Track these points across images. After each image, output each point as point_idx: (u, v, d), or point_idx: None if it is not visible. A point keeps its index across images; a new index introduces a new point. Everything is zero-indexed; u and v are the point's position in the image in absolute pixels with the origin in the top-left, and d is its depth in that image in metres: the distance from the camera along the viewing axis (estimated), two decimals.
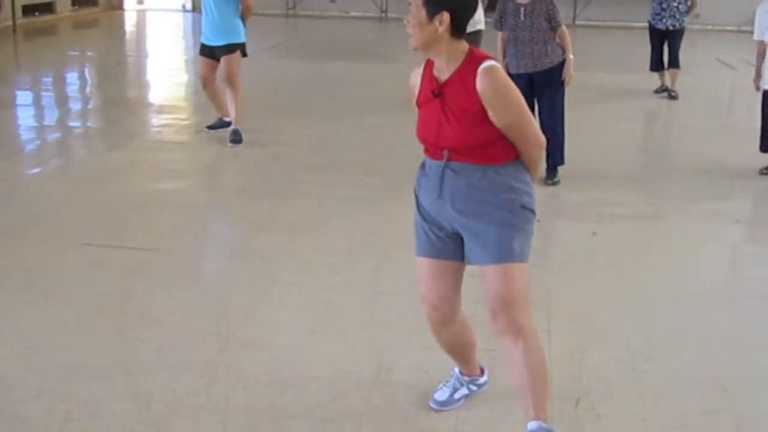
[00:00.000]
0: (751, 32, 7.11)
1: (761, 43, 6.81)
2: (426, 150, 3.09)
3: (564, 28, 6.40)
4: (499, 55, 6.61)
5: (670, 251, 5.32)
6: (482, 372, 3.52)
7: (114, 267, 4.82)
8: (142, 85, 11.85)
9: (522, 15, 6.29)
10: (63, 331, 4.03)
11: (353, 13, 18.60)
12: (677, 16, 9.64)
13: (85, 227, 5.44)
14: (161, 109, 9.66)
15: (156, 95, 10.86)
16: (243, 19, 7.62)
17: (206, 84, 7.87)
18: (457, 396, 3.45)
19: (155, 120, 9.17)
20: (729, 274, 5.28)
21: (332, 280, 4.69)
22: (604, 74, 11.62)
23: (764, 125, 6.86)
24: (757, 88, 6.91)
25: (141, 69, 13.26)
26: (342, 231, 5.49)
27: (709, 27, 16.95)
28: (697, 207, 6.26)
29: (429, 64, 3.03)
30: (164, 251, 5.08)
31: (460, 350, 3.39)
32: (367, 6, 18.51)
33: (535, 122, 3.12)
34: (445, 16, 2.86)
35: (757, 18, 6.81)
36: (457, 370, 3.48)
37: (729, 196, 6.51)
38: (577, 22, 17.32)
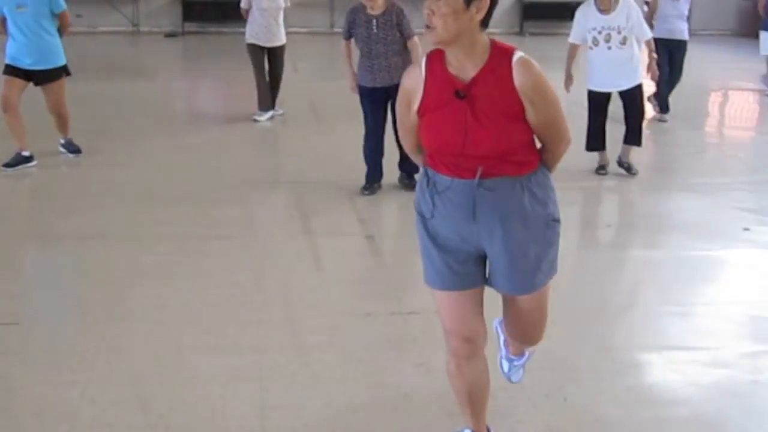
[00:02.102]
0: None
1: (574, 46, 7.17)
2: (437, 162, 2.75)
3: (416, 39, 6.39)
4: (346, 66, 6.49)
5: None
6: None
7: None
8: None
9: (375, 27, 6.23)
10: None
11: (102, 28, 17.49)
12: None
13: None
14: None
15: None
16: (60, 34, 6.95)
17: (7, 108, 6.99)
18: None
19: None
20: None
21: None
22: None
23: (590, 125, 7.24)
24: (568, 90, 7.20)
25: None
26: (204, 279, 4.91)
27: None
28: None
29: (434, 63, 2.70)
30: None
31: (480, 392, 3.05)
32: (117, 20, 17.48)
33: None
34: (485, 2, 2.60)
35: (575, 20, 7.16)
36: None
37: (574, 201, 6.63)
38: (335, 30, 17.47)
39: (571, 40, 7.20)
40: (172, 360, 3.89)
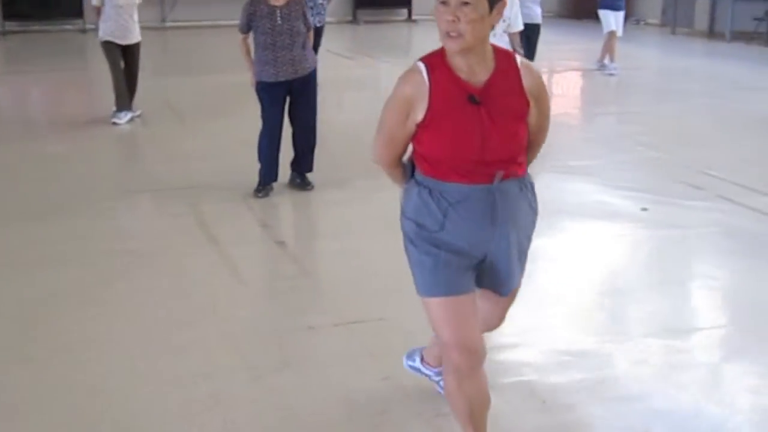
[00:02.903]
0: None
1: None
2: (446, 171, 2.64)
3: (310, 31, 6.27)
4: (245, 59, 6.23)
5: None
6: None
7: None
8: None
9: (279, 18, 5.95)
10: None
11: None
12: (322, 13, 9.85)
13: None
14: None
15: None
16: None
17: None
18: None
19: None
20: None
21: None
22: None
23: None
24: None
25: None
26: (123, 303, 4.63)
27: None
28: None
29: (437, 69, 2.61)
30: None
31: (483, 409, 2.93)
32: None
33: None
34: (503, 5, 2.57)
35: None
36: None
37: None
38: (167, 24, 16.83)
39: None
40: (117, 398, 3.53)
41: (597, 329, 4.23)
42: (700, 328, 4.31)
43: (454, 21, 2.50)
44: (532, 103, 2.67)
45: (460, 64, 2.61)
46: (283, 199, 6.29)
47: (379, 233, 5.53)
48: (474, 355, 2.78)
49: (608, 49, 12.46)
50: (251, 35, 6.13)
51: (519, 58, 2.69)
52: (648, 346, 4.04)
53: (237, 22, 6.18)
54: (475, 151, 2.61)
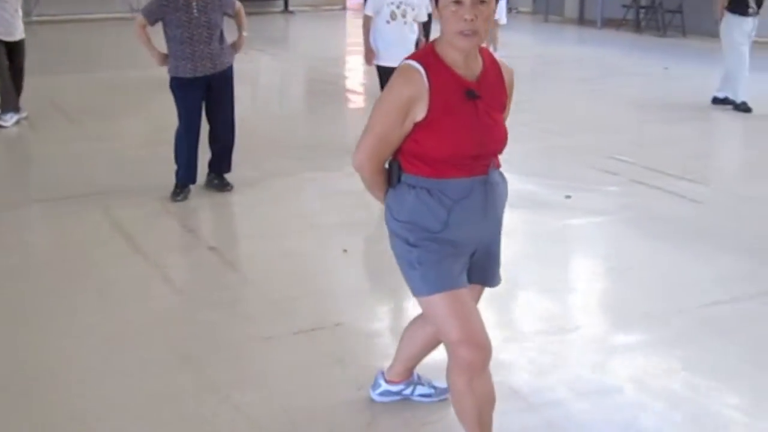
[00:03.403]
0: None
1: (369, 18, 7.06)
2: (448, 168, 2.62)
3: (239, 4, 6.00)
4: (146, 47, 5.85)
5: None
6: None
7: None
8: None
9: (195, 10, 5.64)
10: None
11: None
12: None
13: None
14: None
15: None
16: None
17: None
18: None
19: None
20: None
21: None
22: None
23: None
24: (371, 63, 7.18)
25: None
26: (60, 323, 4.33)
27: None
28: None
29: (434, 66, 2.57)
30: None
31: (491, 409, 2.85)
32: None
33: None
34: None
35: None
36: None
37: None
38: (33, 18, 15.94)
39: (367, 11, 7.13)
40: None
41: (557, 323, 4.20)
42: (649, 314, 4.34)
43: (472, 20, 2.49)
44: (508, 96, 2.78)
45: (457, 61, 2.60)
46: (202, 202, 6.01)
47: (307, 233, 5.42)
48: (484, 351, 2.71)
49: (493, 37, 12.61)
50: (163, 28, 5.77)
51: (495, 55, 2.77)
52: (604, 334, 4.06)
53: (108, 15, 5.82)
54: (475, 145, 2.63)
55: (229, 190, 6.12)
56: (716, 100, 9.37)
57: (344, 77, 12.11)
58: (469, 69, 2.62)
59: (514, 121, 2.99)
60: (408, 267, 2.72)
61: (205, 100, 5.87)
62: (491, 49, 12.21)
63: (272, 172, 6.70)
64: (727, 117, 9.06)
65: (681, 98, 9.95)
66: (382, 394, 3.39)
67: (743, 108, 9.10)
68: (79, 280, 4.63)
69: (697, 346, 3.91)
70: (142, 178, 6.40)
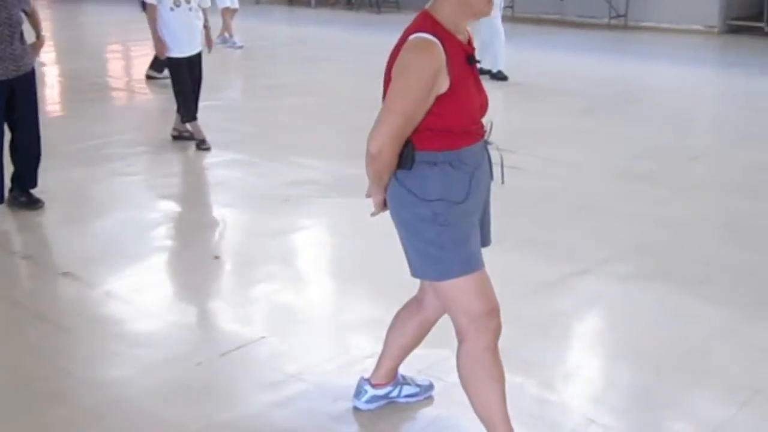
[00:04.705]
0: None
1: (154, 7, 6.61)
2: (463, 136, 2.62)
3: (34, 3, 5.36)
4: None
5: None
6: None
7: None
8: None
9: None
10: None
11: None
12: None
13: None
14: None
15: None
16: None
17: None
18: None
19: None
20: None
21: None
22: None
23: (185, 94, 6.83)
24: (164, 56, 6.75)
25: None
26: None
27: None
28: None
29: (444, 35, 2.53)
30: None
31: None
32: None
33: None
34: None
35: None
36: None
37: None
38: None
39: (150, 0, 6.58)
40: None
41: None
42: None
43: None
44: None
45: (461, 28, 2.62)
46: (12, 224, 5.25)
47: (155, 245, 4.95)
48: (499, 314, 2.74)
49: (226, 24, 12.32)
50: None
51: None
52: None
53: None
54: (480, 109, 2.69)
55: (39, 207, 5.37)
56: None
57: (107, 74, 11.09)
58: (464, 35, 2.63)
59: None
60: (441, 250, 2.63)
61: (7, 106, 5.10)
62: (226, 36, 12.05)
63: (69, 181, 5.98)
64: (487, 86, 9.44)
65: None
66: (368, 401, 3.20)
67: (500, 76, 9.66)
68: None
69: None
70: None
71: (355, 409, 3.19)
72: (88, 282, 4.39)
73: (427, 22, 2.56)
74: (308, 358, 3.59)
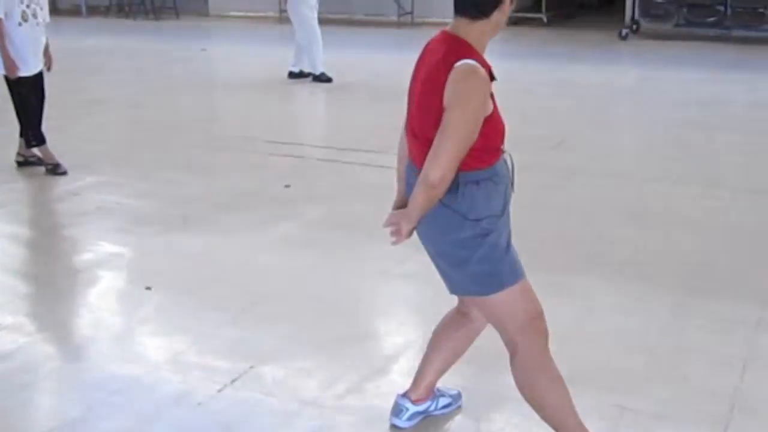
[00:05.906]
0: None
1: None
2: (498, 152, 2.69)
3: None
4: None
5: None
6: None
7: None
8: None
9: None
10: None
11: None
12: None
13: None
14: None
15: None
16: None
17: None
18: None
19: None
20: None
21: None
22: None
23: (33, 116, 6.33)
24: (15, 75, 6.14)
25: None
26: None
27: None
28: None
29: (482, 60, 2.60)
30: None
31: None
32: None
33: None
34: None
35: None
36: None
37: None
38: None
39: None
40: None
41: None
42: None
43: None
44: None
45: (485, 47, 2.66)
46: None
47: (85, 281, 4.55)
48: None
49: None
50: None
51: None
52: None
53: None
54: (503, 125, 2.73)
55: None
56: (292, 75, 9.72)
57: None
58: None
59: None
60: (494, 264, 2.66)
61: None
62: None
63: None
64: (311, 88, 9.43)
65: (256, 76, 10.12)
66: (410, 417, 3.12)
67: (324, 78, 9.58)
68: None
69: None
70: None
71: (395, 428, 3.09)
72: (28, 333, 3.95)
73: (462, 47, 2.59)
74: (309, 383, 3.45)
